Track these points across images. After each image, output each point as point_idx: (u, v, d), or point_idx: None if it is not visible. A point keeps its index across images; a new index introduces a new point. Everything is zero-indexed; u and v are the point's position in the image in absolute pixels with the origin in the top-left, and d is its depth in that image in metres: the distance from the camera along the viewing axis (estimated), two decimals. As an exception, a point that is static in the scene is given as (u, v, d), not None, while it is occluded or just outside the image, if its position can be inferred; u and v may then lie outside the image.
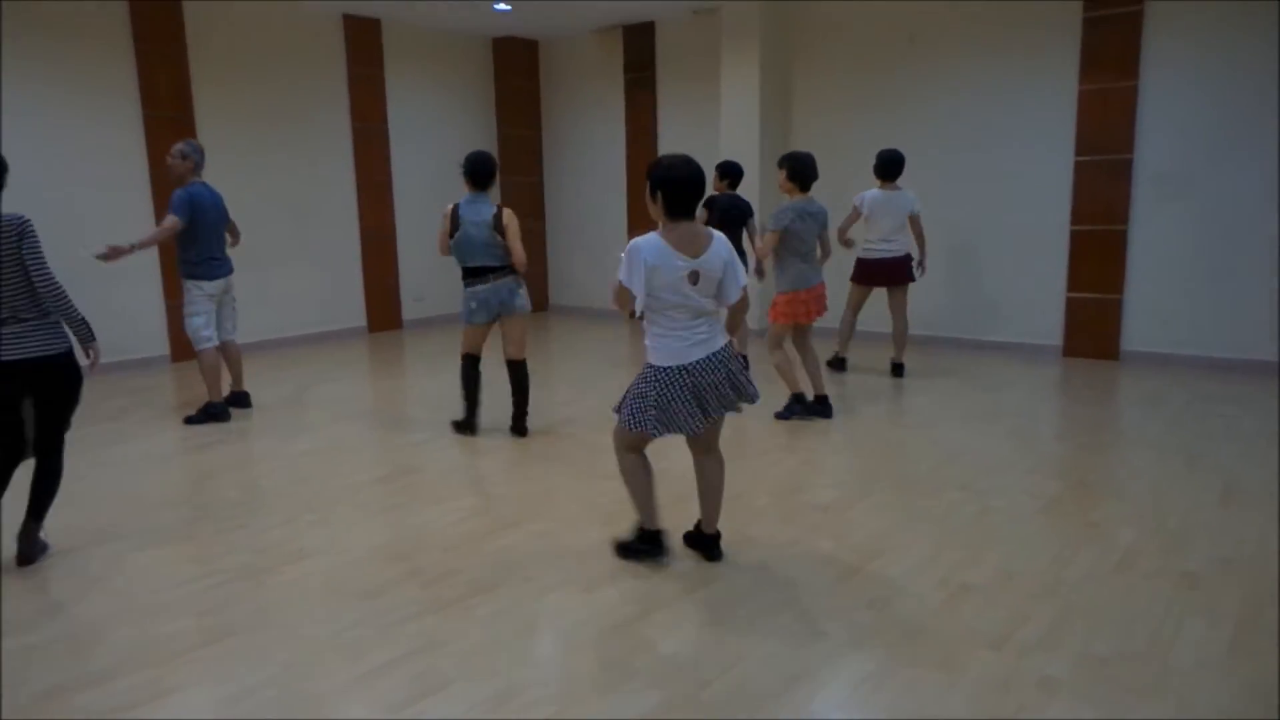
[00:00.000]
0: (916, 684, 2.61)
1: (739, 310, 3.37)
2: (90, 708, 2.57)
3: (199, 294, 5.62)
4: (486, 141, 10.14)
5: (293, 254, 8.51)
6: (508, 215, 4.93)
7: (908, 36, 7.70)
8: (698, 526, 3.59)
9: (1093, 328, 7.17)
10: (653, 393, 3.23)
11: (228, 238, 5.86)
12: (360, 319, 9.14)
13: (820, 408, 5.59)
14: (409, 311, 9.37)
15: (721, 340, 3.30)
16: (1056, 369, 6.98)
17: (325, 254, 8.79)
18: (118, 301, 7.25)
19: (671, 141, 9.27)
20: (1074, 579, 3.29)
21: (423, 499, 4.31)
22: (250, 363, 7.70)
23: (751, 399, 3.37)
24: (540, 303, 10.68)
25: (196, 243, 5.55)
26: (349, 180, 8.89)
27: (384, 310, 9.29)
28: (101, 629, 3.04)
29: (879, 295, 6.73)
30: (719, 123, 8.46)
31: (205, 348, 5.67)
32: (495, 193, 9.83)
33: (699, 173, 3.16)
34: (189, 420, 5.72)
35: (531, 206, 10.46)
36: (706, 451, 3.48)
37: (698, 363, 3.21)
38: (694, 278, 3.14)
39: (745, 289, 3.30)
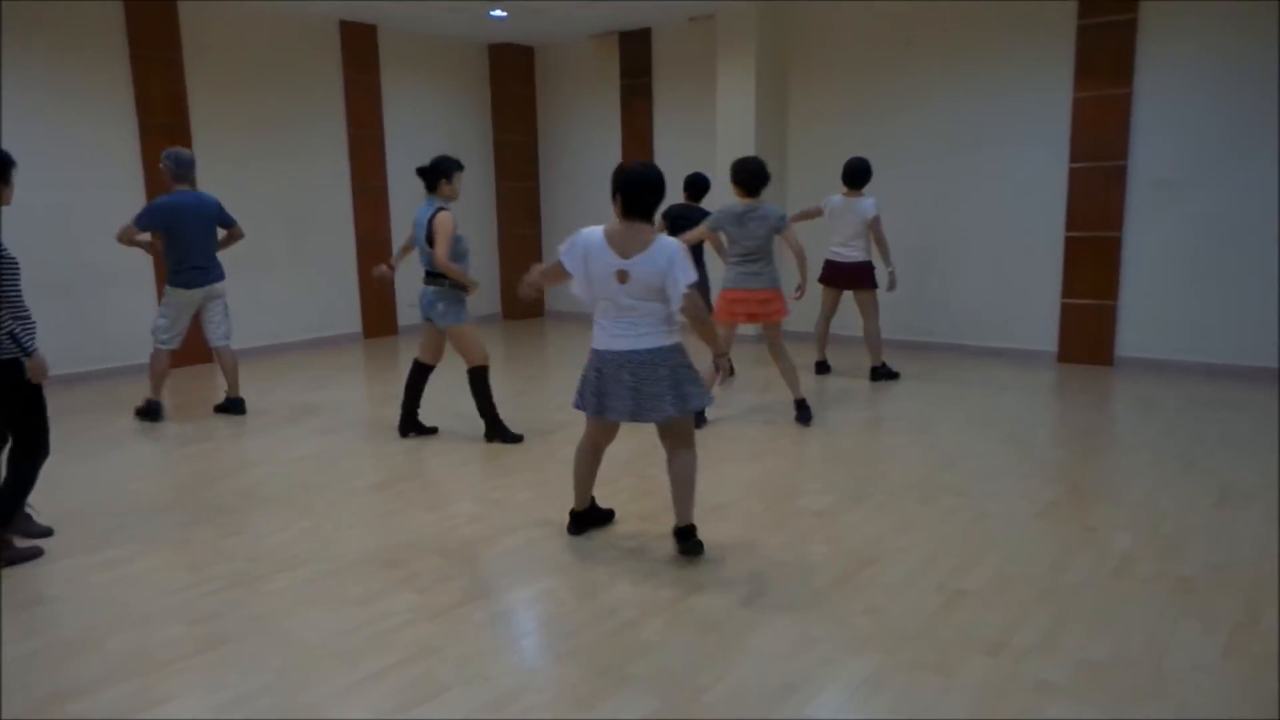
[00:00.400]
0: (913, 689, 2.61)
1: (687, 315, 3.38)
2: (85, 715, 2.55)
3: (172, 299, 5.74)
4: (483, 147, 10.16)
5: (288, 260, 8.50)
6: (439, 219, 4.89)
7: (904, 40, 7.72)
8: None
9: (1088, 333, 7.19)
10: (583, 371, 3.55)
11: (224, 240, 5.88)
12: (356, 325, 9.13)
13: (797, 412, 5.58)
14: (404, 317, 9.36)
15: (647, 344, 3.37)
16: (1051, 374, 6.99)
17: (321, 260, 8.78)
18: (112, 308, 7.23)
19: (667, 148, 9.28)
20: (1070, 584, 3.29)
21: (418, 505, 4.30)
22: (246, 368, 7.68)
23: (665, 414, 3.40)
24: (536, 308, 10.69)
25: (174, 250, 5.65)
26: (344, 186, 8.89)
27: (379, 316, 9.28)
28: (94, 636, 3.02)
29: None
30: (715, 129, 8.47)
31: (156, 348, 5.81)
32: (486, 197, 9.74)
33: (655, 179, 3.37)
34: (136, 412, 5.91)
35: (527, 212, 10.48)
36: (674, 446, 3.55)
37: (607, 352, 3.42)
38: (621, 276, 3.31)
39: (687, 295, 3.30)
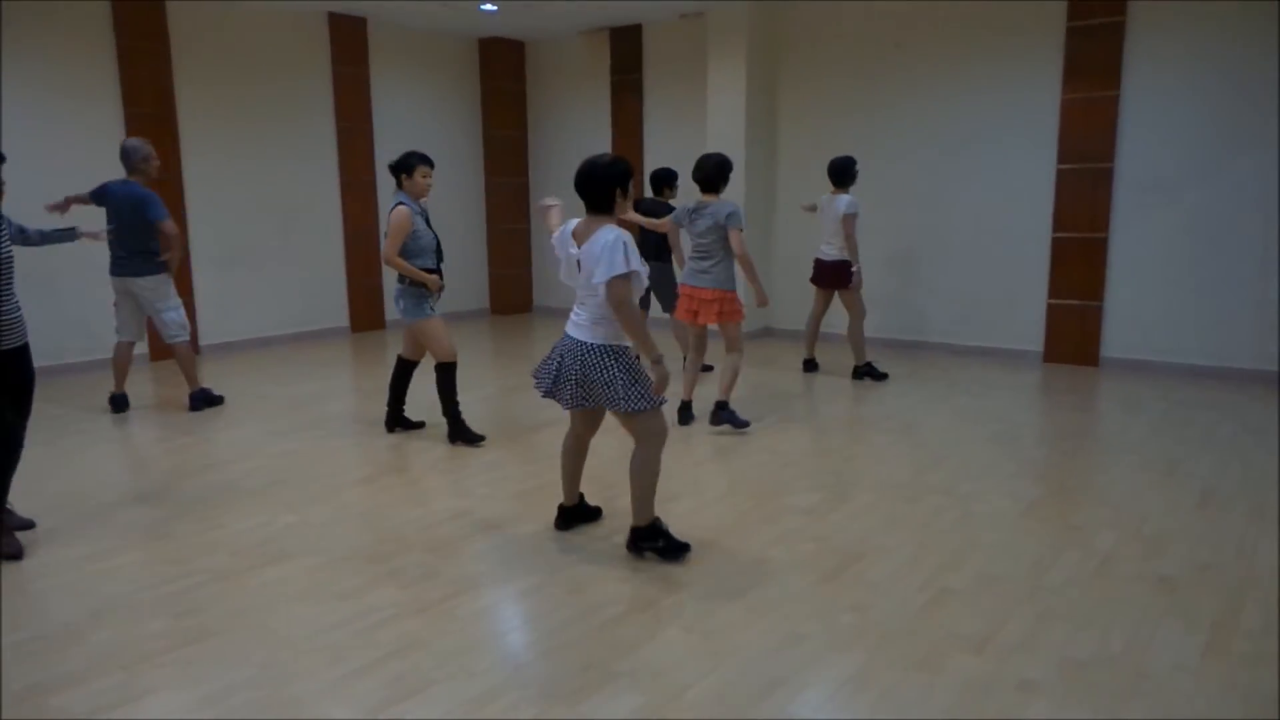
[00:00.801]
0: (897, 687, 2.62)
1: (610, 305, 3.28)
2: (67, 708, 2.53)
3: None
4: (472, 142, 10.14)
5: (276, 253, 8.47)
6: (392, 214, 4.83)
7: (893, 44, 7.74)
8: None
9: (1073, 334, 7.23)
10: None
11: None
12: (343, 319, 9.10)
13: (714, 410, 5.41)
14: (391, 312, 9.33)
15: (580, 335, 3.39)
16: (1037, 374, 7.03)
17: (308, 254, 8.74)
18: (96, 300, 7.16)
19: (658, 144, 9.28)
20: (1054, 583, 3.31)
21: (404, 500, 4.29)
22: (232, 361, 7.66)
23: (566, 400, 3.44)
24: (525, 304, 10.68)
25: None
26: (333, 180, 8.85)
27: (367, 310, 9.25)
28: (78, 629, 3.01)
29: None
30: (706, 125, 8.48)
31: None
32: (476, 192, 9.69)
33: (588, 171, 3.33)
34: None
35: (517, 207, 10.46)
36: (634, 439, 3.51)
37: (563, 335, 3.48)
38: (579, 264, 3.38)
39: (607, 285, 3.23)
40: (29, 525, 3.85)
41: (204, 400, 6.00)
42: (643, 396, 3.35)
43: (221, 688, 2.63)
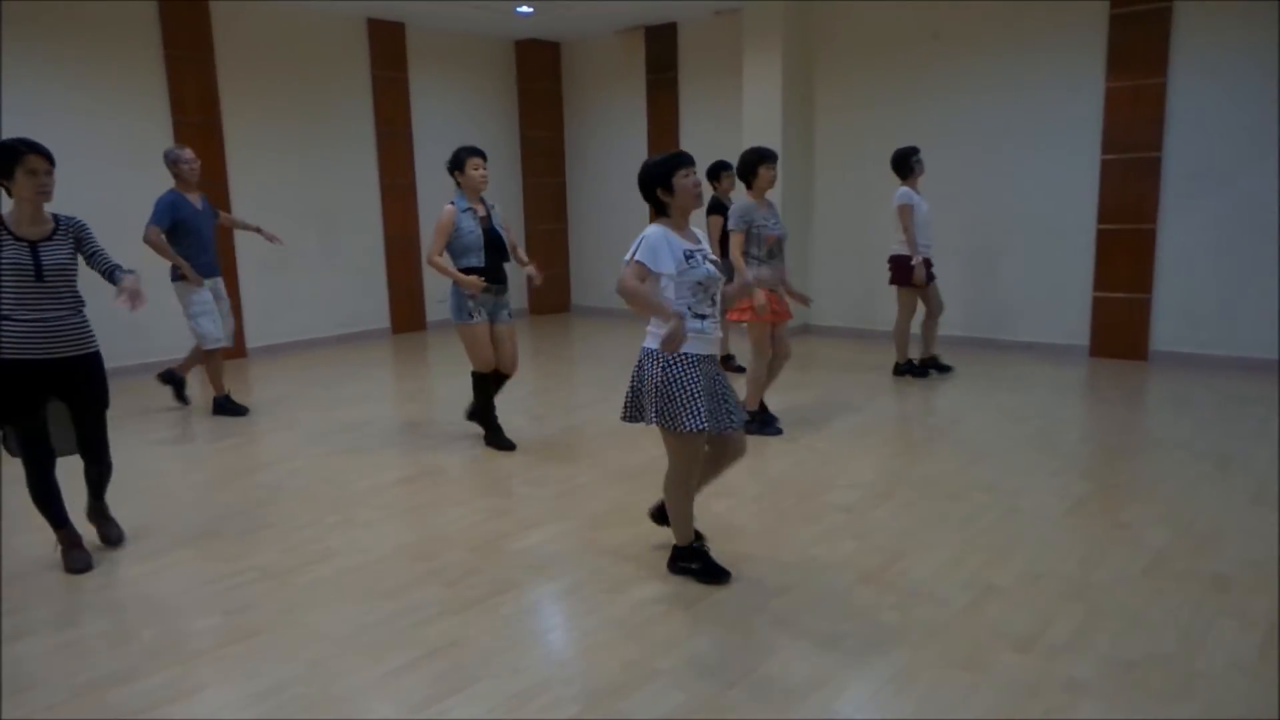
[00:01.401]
0: (941, 686, 2.59)
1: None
2: (121, 704, 2.60)
3: None
4: (510, 143, 10.21)
5: (317, 256, 8.60)
6: (441, 214, 4.81)
7: (932, 33, 7.65)
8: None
9: (1120, 327, 7.09)
10: None
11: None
12: (384, 320, 9.22)
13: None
14: (433, 313, 9.44)
15: (644, 342, 3.25)
16: (1083, 369, 6.90)
17: (350, 256, 8.87)
18: (151, 305, 7.32)
19: (695, 142, 9.25)
20: (1102, 581, 3.25)
21: (446, 499, 4.33)
22: (276, 364, 7.78)
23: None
24: (563, 303, 10.73)
25: None
26: (373, 183, 8.97)
27: (407, 312, 9.36)
28: (130, 626, 3.08)
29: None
30: (742, 122, 8.45)
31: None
32: (513, 193, 9.66)
33: (641, 171, 3.24)
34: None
35: (554, 207, 10.52)
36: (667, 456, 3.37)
37: None
38: None
39: (620, 279, 3.14)
40: (118, 540, 3.84)
41: (225, 408, 5.99)
42: (666, 415, 3.14)
43: (270, 684, 2.68)
